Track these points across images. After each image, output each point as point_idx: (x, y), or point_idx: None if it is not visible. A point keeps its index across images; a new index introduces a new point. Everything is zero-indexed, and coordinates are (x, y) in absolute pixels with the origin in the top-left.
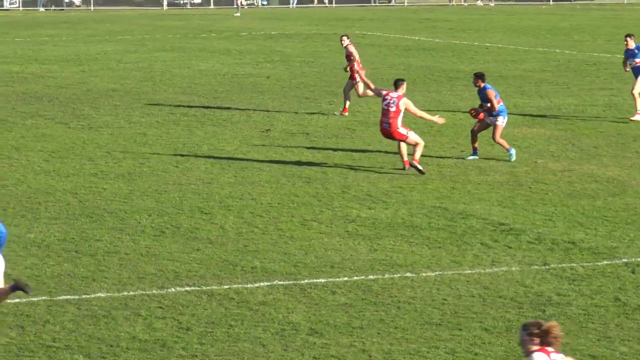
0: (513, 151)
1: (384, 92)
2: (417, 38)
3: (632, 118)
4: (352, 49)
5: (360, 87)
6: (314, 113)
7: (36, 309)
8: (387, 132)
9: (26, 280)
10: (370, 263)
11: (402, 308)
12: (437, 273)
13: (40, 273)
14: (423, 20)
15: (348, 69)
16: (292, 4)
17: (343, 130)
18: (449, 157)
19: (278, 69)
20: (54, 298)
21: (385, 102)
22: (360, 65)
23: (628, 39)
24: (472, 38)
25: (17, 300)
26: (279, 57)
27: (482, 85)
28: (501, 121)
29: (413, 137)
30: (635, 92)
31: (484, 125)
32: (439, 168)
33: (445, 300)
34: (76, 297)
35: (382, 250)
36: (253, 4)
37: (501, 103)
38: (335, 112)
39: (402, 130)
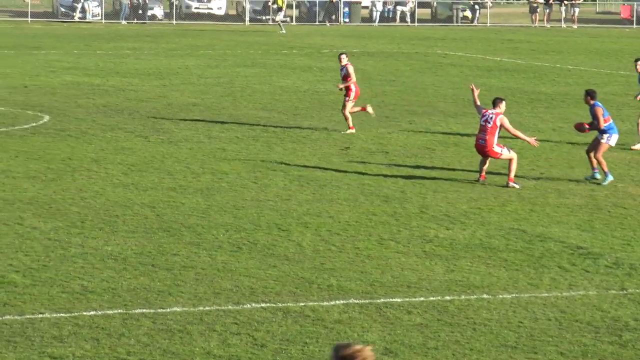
0: (610, 178)
1: (483, 110)
2: (499, 59)
3: (633, 147)
4: (350, 70)
5: (349, 105)
6: (393, 132)
7: (111, 321)
8: (482, 148)
9: (103, 292)
10: (446, 284)
11: (477, 330)
12: (513, 295)
13: (116, 286)
14: (505, 41)
15: (343, 87)
16: (375, 22)
17: (422, 149)
18: (528, 179)
19: (359, 86)
20: (130, 311)
21: (483, 119)
22: (357, 85)
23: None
24: (554, 60)
25: (92, 312)
26: (360, 75)
27: (592, 102)
28: (606, 139)
29: (507, 153)
30: None
31: (595, 144)
32: (517, 190)
33: (522, 323)
34: (152, 310)
35: (459, 271)
36: (286, 20)
37: (609, 122)
38: (342, 132)
39: (497, 149)
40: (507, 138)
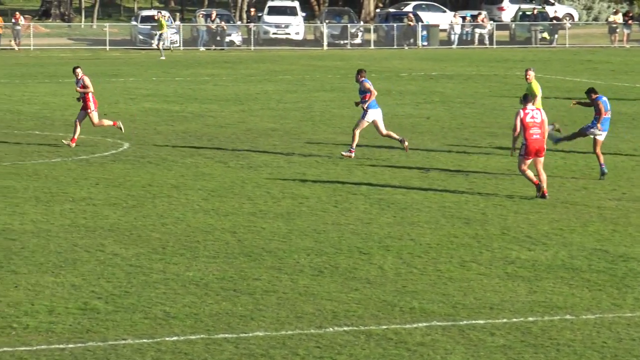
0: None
1: (522, 110)
2: (578, 80)
3: None
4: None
5: (94, 116)
6: (473, 154)
7: (194, 347)
8: (540, 142)
9: (185, 317)
10: (529, 305)
11: (561, 351)
12: (597, 316)
13: (198, 311)
14: (584, 62)
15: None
16: (453, 44)
17: (503, 170)
18: (610, 199)
19: (438, 109)
20: (212, 336)
21: (529, 116)
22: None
23: None
24: (634, 80)
25: (175, 338)
26: (439, 97)
27: (595, 97)
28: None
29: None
30: None
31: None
32: (599, 210)
33: (605, 343)
34: (234, 335)
35: (542, 292)
36: (169, 47)
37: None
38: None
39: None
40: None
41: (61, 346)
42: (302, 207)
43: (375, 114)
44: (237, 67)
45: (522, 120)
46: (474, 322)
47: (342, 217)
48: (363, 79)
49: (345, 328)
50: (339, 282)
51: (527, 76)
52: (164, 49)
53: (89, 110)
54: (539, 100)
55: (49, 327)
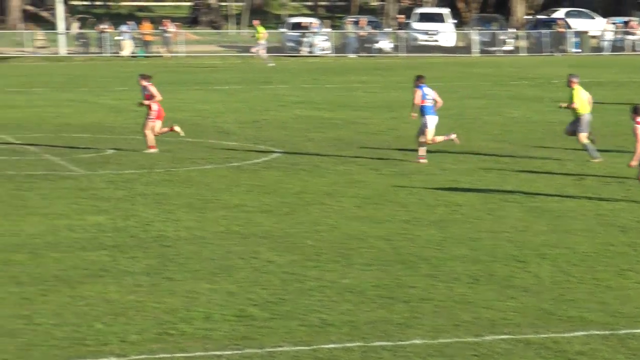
0: None
1: (638, 125)
2: None
3: None
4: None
5: (149, 124)
6: (628, 161)
7: (351, 354)
8: None
9: (341, 325)
10: None
11: None
12: None
13: (354, 319)
14: None
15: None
16: (605, 51)
17: None
18: None
19: None
20: (369, 344)
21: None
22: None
23: None
24: None
25: (331, 345)
26: (592, 104)
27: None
28: None
29: None
30: None
31: None
32: None
33: None
34: (391, 343)
35: None
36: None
37: None
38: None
39: None
40: None
41: (218, 353)
42: (456, 214)
43: (433, 121)
44: (387, 74)
45: None
46: (633, 331)
47: (496, 224)
48: (420, 84)
49: (503, 336)
50: (495, 290)
51: (570, 82)
52: (264, 57)
53: (148, 117)
54: (585, 105)
55: (205, 334)
